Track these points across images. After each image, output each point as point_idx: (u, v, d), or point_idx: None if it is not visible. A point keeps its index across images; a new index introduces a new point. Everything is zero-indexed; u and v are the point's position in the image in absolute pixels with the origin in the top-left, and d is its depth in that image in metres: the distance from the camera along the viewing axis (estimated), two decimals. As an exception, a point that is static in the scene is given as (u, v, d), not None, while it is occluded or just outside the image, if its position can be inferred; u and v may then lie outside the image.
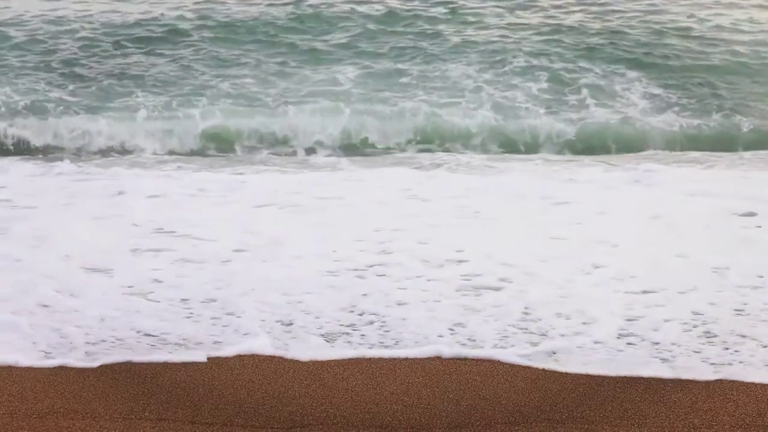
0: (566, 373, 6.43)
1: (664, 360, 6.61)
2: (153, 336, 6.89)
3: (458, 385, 6.23)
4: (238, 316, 7.19)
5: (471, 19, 17.44)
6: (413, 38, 16.26)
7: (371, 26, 16.70)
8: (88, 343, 6.78)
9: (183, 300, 7.49)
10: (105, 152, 12.16)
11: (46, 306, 7.33)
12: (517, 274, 7.97)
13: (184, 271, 8.02)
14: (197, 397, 6.04)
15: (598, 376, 6.37)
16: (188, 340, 6.83)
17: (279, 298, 7.52)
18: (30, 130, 12.32)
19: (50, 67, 14.49)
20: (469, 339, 6.86)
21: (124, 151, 12.18)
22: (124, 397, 6.01)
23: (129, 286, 7.71)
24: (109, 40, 15.90)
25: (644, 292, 7.70)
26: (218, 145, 12.36)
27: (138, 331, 6.96)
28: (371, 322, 7.13)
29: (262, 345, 6.75)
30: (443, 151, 12.32)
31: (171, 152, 12.17)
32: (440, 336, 6.89)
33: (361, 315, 7.25)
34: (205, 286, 7.71)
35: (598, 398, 6.07)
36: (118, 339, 6.84)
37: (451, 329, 7.01)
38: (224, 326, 7.05)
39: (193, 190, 10.23)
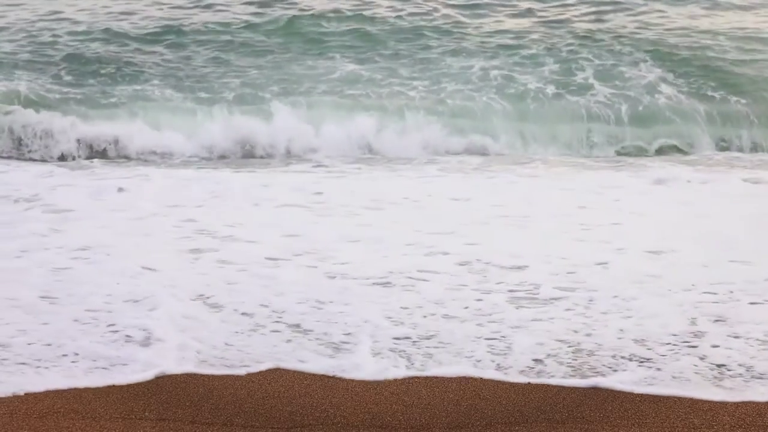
0: (566, 373, 6.43)
1: (730, 389, 6.18)
2: (221, 349, 6.72)
3: (458, 385, 6.22)
4: (304, 330, 7.00)
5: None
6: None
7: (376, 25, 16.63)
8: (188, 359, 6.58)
9: (245, 310, 7.28)
10: (108, 152, 12.11)
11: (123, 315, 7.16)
12: (569, 283, 7.79)
13: (241, 278, 7.89)
14: (197, 397, 6.04)
15: (599, 376, 6.38)
16: (259, 355, 6.61)
17: (333, 308, 7.35)
18: (36, 129, 12.24)
19: (55, 65, 14.45)
20: (513, 363, 6.50)
21: (127, 149, 12.10)
22: (124, 397, 6.01)
23: (192, 293, 7.57)
24: (113, 38, 15.85)
25: (709, 303, 7.43)
26: (225, 145, 12.27)
27: (213, 345, 6.76)
28: (424, 338, 6.87)
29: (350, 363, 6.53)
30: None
31: (176, 152, 12.08)
32: (478, 360, 6.54)
33: (413, 328, 7.01)
34: (262, 296, 7.54)
35: (598, 398, 6.06)
36: (197, 352, 6.67)
37: (493, 350, 6.68)
38: (287, 341, 6.82)
39: (215, 191, 10.23)
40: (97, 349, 6.61)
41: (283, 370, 6.41)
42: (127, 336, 6.81)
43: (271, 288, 7.70)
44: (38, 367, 6.33)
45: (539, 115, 13.18)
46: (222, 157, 12.06)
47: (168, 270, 8.01)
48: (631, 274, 7.97)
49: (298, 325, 7.06)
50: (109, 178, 10.71)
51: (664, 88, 13.84)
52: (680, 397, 6.08)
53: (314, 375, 6.35)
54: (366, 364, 6.47)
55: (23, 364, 6.37)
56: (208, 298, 7.48)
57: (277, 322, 7.11)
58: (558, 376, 6.31)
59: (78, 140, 12.09)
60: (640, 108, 13.35)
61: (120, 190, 10.10)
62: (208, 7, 17.55)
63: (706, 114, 13.19)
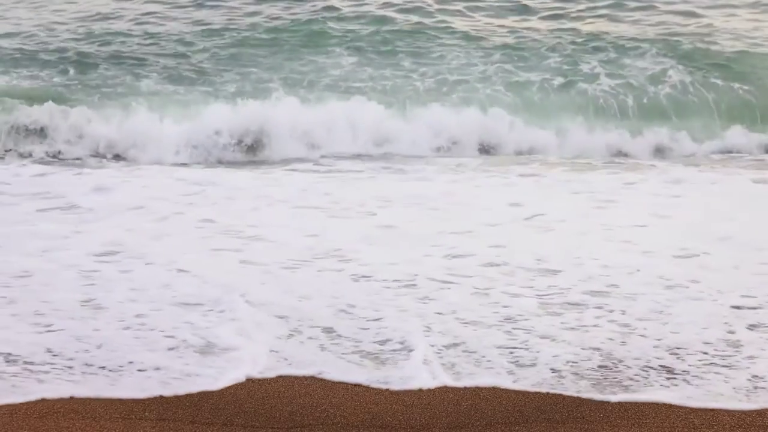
0: (567, 372, 6.41)
1: (765, 402, 5.95)
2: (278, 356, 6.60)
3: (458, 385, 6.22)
4: (339, 336, 6.86)
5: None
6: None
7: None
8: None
9: (280, 314, 7.17)
10: (112, 149, 11.99)
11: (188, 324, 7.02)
12: (601, 287, 7.65)
13: (270, 280, 7.82)
14: (197, 397, 6.04)
15: (599, 376, 6.35)
16: (301, 363, 6.49)
17: (364, 313, 7.23)
18: (37, 126, 12.12)
19: (54, 62, 14.40)
20: (539, 376, 6.30)
21: (130, 146, 12.00)
22: (124, 397, 6.01)
23: (235, 296, 7.46)
24: (111, 35, 15.78)
25: (746, 308, 7.28)
26: (228, 139, 12.17)
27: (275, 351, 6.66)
28: (454, 345, 6.71)
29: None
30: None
31: (179, 147, 11.96)
32: (497, 373, 6.34)
33: (445, 336, 6.84)
34: (294, 299, 7.46)
35: (598, 398, 6.05)
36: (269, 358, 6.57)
37: (518, 362, 6.48)
38: (323, 348, 6.67)
39: (226, 190, 10.22)
40: (163, 357, 6.50)
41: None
42: (184, 341, 6.73)
43: (300, 291, 7.61)
44: (107, 376, 6.24)
45: (544, 107, 13.17)
46: (225, 153, 11.97)
47: (203, 272, 7.93)
48: (664, 279, 7.84)
49: (331, 332, 6.93)
50: (115, 176, 10.71)
51: (669, 81, 13.82)
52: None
53: (314, 375, 6.34)
54: (418, 376, 6.30)
55: (90, 373, 6.27)
56: (251, 301, 7.37)
57: (312, 327, 6.99)
58: (583, 391, 6.13)
59: (81, 137, 12.02)
60: (645, 100, 13.40)
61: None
62: (203, 4, 17.49)
63: (709, 107, 13.23)
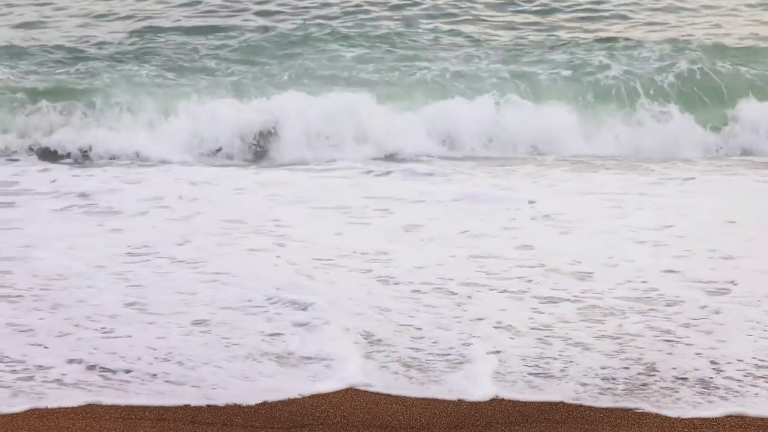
0: (566, 373, 6.38)
1: None
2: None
3: (459, 385, 6.21)
4: (381, 342, 6.74)
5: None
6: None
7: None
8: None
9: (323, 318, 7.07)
10: (111, 149, 11.93)
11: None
12: (640, 293, 7.51)
13: (304, 282, 7.77)
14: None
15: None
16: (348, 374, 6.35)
17: (399, 319, 7.11)
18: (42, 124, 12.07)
19: (52, 60, 14.40)
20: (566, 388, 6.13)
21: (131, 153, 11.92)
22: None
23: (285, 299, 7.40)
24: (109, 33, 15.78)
25: None
26: (230, 136, 12.13)
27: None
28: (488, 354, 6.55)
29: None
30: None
31: (181, 145, 11.92)
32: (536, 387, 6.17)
33: (484, 342, 6.70)
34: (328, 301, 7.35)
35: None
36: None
37: (548, 373, 6.31)
38: (369, 356, 6.52)
39: (238, 189, 10.24)
40: (236, 365, 6.40)
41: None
42: (258, 348, 6.65)
43: (338, 293, 7.56)
44: (197, 387, 6.12)
45: (551, 97, 13.15)
46: (230, 152, 11.96)
47: (242, 274, 7.87)
48: (704, 283, 7.70)
49: (371, 338, 6.80)
50: (122, 176, 10.72)
51: (677, 70, 13.82)
52: (681, 397, 6.06)
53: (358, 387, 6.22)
54: (474, 390, 6.11)
55: (173, 382, 6.17)
56: (302, 305, 7.29)
57: (354, 333, 6.88)
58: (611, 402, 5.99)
59: (85, 135, 11.97)
60: (652, 90, 13.38)
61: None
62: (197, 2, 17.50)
63: (718, 90, 13.30)
